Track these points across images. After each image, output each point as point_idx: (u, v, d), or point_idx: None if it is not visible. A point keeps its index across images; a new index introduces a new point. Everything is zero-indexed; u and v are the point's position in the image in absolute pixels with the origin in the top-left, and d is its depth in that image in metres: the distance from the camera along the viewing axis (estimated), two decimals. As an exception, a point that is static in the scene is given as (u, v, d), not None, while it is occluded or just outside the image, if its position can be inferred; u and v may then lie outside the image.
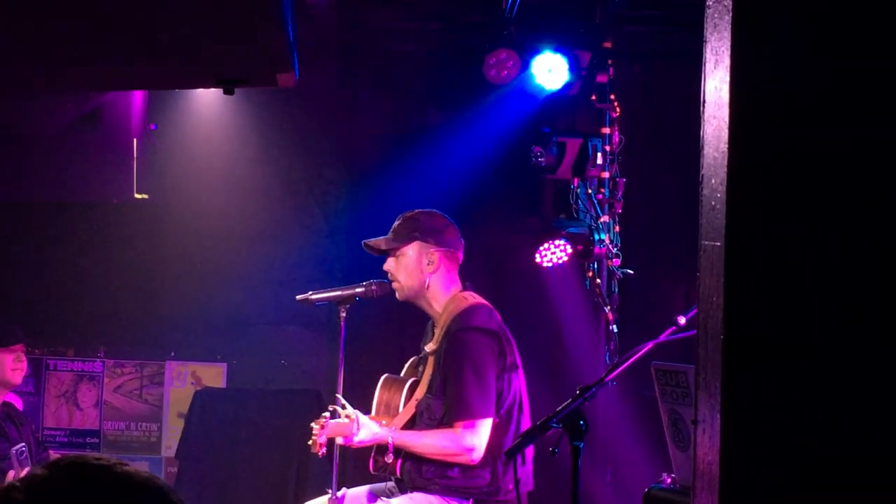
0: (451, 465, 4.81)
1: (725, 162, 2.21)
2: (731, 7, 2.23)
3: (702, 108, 2.37)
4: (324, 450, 4.81)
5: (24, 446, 5.33)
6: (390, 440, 4.81)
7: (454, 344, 4.80)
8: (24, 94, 4.92)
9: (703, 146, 2.36)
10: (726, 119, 2.22)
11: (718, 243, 2.23)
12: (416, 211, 5.07)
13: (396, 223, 5.05)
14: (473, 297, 4.97)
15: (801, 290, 2.17)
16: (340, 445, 4.86)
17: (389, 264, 5.03)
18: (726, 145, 2.21)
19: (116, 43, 2.60)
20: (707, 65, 2.35)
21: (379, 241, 5.05)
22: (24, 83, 3.26)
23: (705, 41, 2.36)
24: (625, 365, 3.98)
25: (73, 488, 1.38)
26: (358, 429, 4.78)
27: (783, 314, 2.18)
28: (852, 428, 2.16)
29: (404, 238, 4.99)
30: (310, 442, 4.84)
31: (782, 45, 2.20)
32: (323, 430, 4.77)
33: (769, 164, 2.19)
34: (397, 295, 5.06)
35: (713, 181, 2.28)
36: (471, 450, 4.73)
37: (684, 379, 3.97)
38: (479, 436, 4.73)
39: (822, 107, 2.18)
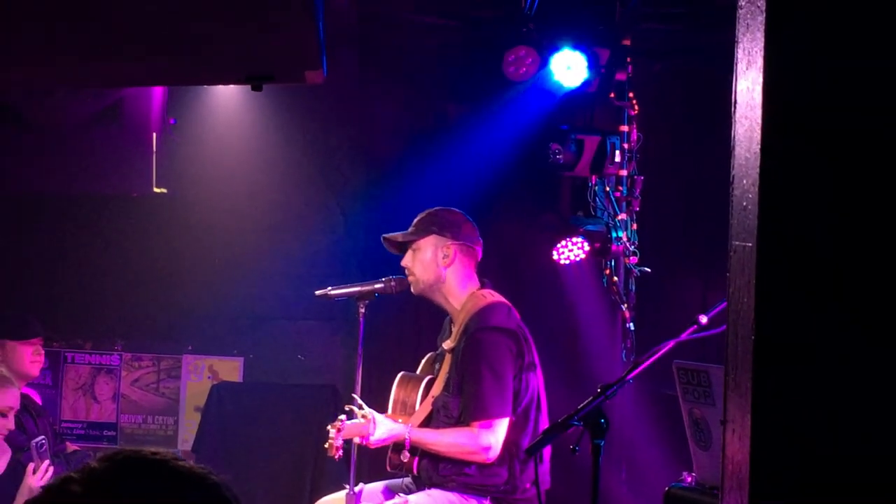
0: (467, 463, 4.82)
1: (758, 163, 2.20)
2: (764, 8, 2.22)
3: (732, 109, 2.37)
4: (340, 452, 4.82)
5: (43, 439, 5.35)
6: (407, 438, 4.83)
7: (472, 343, 4.81)
8: (50, 87, 4.93)
9: (733, 147, 2.35)
10: (759, 120, 2.21)
11: (750, 244, 2.23)
12: (436, 208, 5.10)
13: (416, 219, 5.08)
14: (492, 295, 4.98)
15: (833, 293, 2.17)
16: (358, 445, 4.88)
17: (407, 259, 5.06)
18: (759, 146, 2.21)
19: (148, 39, 2.60)
20: (738, 65, 2.34)
21: (396, 235, 5.09)
22: (52, 78, 3.27)
23: (737, 42, 2.36)
24: (647, 363, 3.98)
25: (130, 482, 1.39)
26: (374, 428, 4.79)
27: (815, 316, 2.18)
28: (887, 429, 2.16)
29: (421, 231, 5.02)
30: (326, 445, 4.86)
31: (816, 46, 2.19)
32: (339, 434, 4.78)
33: (803, 166, 2.19)
34: (412, 289, 5.07)
35: (744, 182, 2.28)
36: (487, 449, 4.74)
37: (706, 378, 3.97)
38: (495, 435, 4.74)
39: (857, 109, 2.18)
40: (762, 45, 2.21)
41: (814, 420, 2.18)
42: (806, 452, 2.16)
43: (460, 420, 4.83)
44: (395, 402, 5.05)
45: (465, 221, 5.06)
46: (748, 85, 2.29)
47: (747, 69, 2.29)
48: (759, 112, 2.22)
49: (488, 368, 4.77)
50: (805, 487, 2.17)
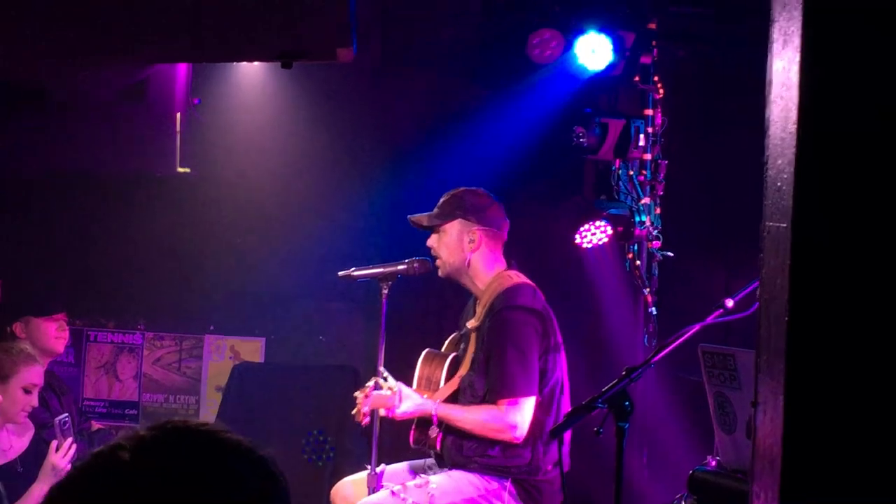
0: (492, 444, 4.81)
1: (794, 143, 2.19)
2: (801, -14, 2.21)
3: (767, 89, 2.35)
4: (367, 419, 4.85)
5: (67, 416, 5.36)
6: (433, 412, 4.83)
7: (498, 322, 4.80)
8: (84, 65, 4.94)
9: (767, 127, 2.33)
10: (795, 100, 2.20)
11: (784, 225, 2.21)
12: (461, 189, 5.08)
13: (441, 200, 5.06)
14: (518, 276, 4.97)
15: (870, 274, 2.15)
16: (382, 417, 4.89)
17: (432, 240, 5.06)
18: (794, 126, 2.19)
19: (180, 17, 2.60)
20: (774, 45, 2.32)
21: (422, 218, 5.08)
22: (91, 56, 3.27)
23: (772, 21, 2.34)
24: (672, 346, 3.96)
25: (178, 451, 1.40)
26: (401, 401, 4.81)
27: (850, 297, 2.16)
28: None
29: (446, 216, 5.01)
30: (353, 411, 4.89)
31: (855, 24, 2.17)
32: (367, 400, 4.80)
33: (840, 146, 2.17)
34: (439, 272, 5.07)
35: (779, 162, 2.26)
36: (514, 427, 4.73)
37: (732, 361, 3.95)
38: (521, 413, 4.73)
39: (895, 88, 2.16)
40: (800, 23, 2.19)
41: (847, 403, 2.16)
42: (841, 436, 2.15)
43: (485, 399, 4.82)
44: (419, 378, 5.06)
45: (491, 204, 5.04)
46: (784, 64, 2.27)
47: (783, 49, 2.27)
48: (795, 92, 2.20)
49: (513, 347, 4.76)
50: (838, 471, 2.16)
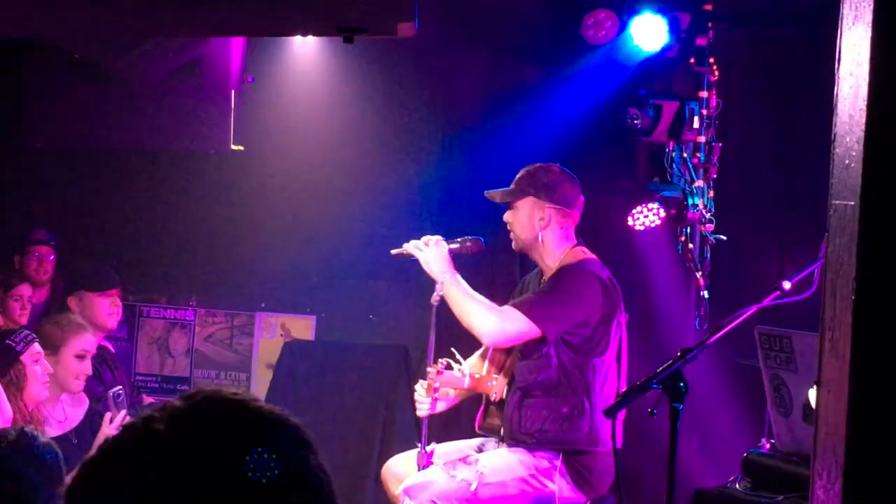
0: (550, 419, 4.83)
1: (863, 120, 2.16)
2: (874, -39, 2.18)
3: (837, 66, 2.32)
4: (436, 395, 4.94)
5: (120, 389, 5.41)
6: (446, 280, 4.87)
7: (560, 270, 4.94)
8: (143, 37, 4.96)
9: (836, 104, 2.31)
10: (866, 77, 2.17)
11: (852, 203, 2.19)
12: (536, 165, 5.13)
13: (517, 176, 5.11)
14: (585, 253, 5.04)
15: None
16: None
17: (508, 215, 5.13)
18: (865, 102, 2.17)
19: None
20: (844, 21, 2.30)
21: (496, 193, 5.15)
22: (145, 28, 3.28)
23: (844, -3, 2.31)
24: (728, 328, 3.94)
25: (213, 421, 1.38)
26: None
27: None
28: None
29: (518, 193, 5.07)
30: (424, 384, 4.96)
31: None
32: (438, 375, 4.89)
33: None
34: (513, 245, 5.17)
35: (847, 139, 2.24)
36: (498, 329, 4.80)
37: (789, 344, 3.92)
38: (513, 326, 4.79)
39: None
40: (872, -1, 2.16)
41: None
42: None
43: (529, 352, 4.85)
44: (490, 362, 5.12)
45: (563, 181, 5.07)
46: (854, 41, 2.24)
47: (854, 24, 2.25)
48: (865, 68, 2.18)
49: (561, 286, 4.88)
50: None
